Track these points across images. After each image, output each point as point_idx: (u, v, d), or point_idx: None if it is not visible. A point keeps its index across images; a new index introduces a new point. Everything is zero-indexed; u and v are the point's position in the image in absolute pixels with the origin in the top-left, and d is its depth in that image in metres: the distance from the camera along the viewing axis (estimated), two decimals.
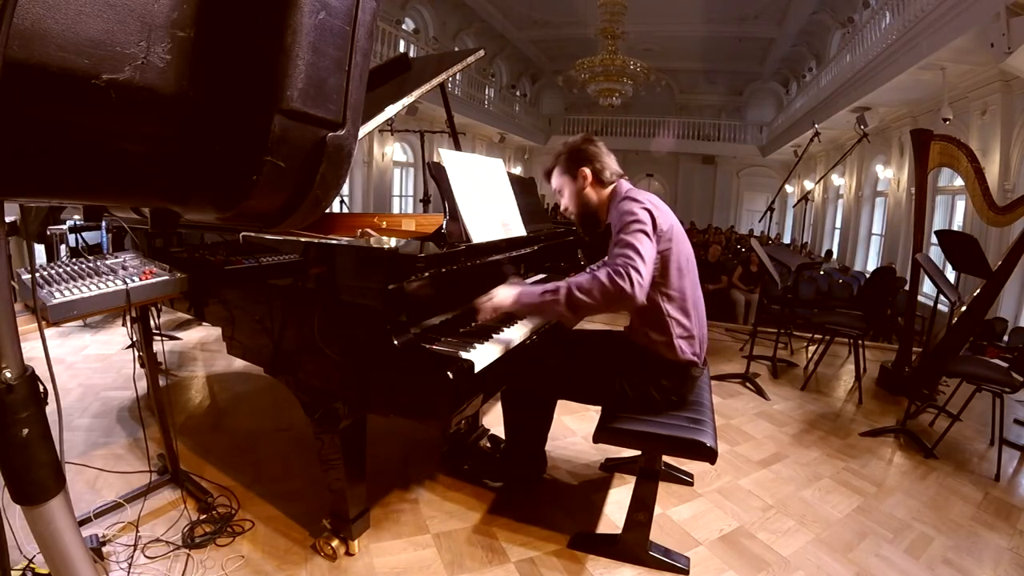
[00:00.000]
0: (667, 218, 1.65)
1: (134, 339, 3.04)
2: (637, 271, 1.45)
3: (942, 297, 3.02)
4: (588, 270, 1.86)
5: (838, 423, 3.00)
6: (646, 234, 1.52)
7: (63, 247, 3.76)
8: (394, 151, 11.88)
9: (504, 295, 1.60)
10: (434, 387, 1.27)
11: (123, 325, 3.98)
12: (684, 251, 1.68)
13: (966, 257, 3.13)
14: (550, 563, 1.71)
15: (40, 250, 3.84)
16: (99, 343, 3.67)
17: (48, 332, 2.99)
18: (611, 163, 1.77)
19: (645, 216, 1.55)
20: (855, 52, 8.86)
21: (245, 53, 0.54)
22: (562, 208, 1.86)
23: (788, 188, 13.78)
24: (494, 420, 2.66)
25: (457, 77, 11.99)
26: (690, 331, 1.69)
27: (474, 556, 1.72)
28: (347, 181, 2.50)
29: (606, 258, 1.58)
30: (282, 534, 1.76)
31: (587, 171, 1.75)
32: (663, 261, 1.63)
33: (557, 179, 1.83)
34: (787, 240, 14.93)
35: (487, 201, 1.94)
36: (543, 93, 19.08)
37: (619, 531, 1.74)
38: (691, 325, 1.69)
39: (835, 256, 11.63)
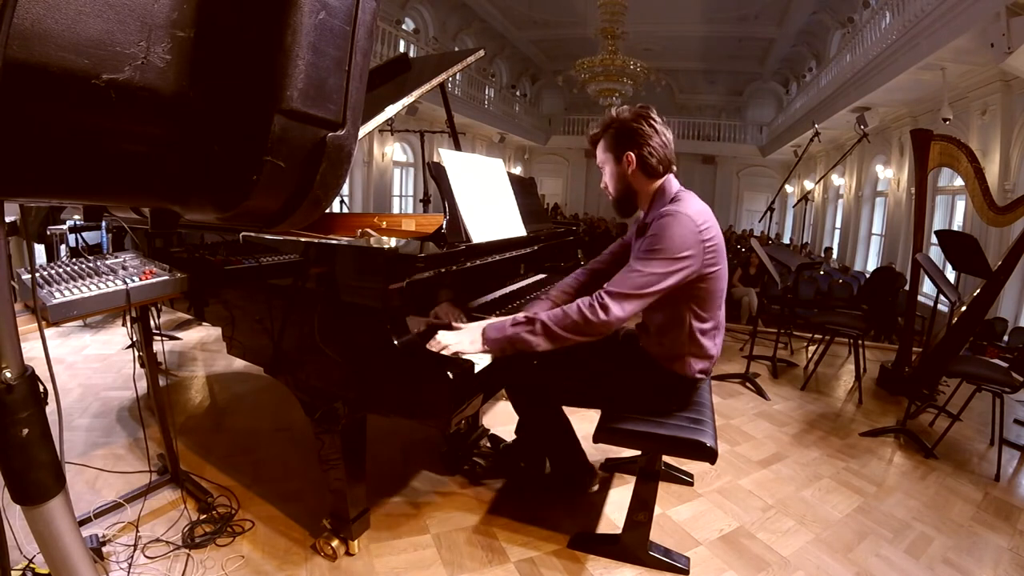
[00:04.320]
0: (715, 239, 1.51)
1: (134, 339, 3.04)
2: (618, 303, 1.41)
3: (942, 297, 3.02)
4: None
5: (838, 423, 3.00)
6: (668, 274, 1.43)
7: (63, 247, 3.76)
8: (394, 151, 11.88)
9: (461, 339, 1.42)
10: (434, 387, 1.27)
11: (123, 325, 3.98)
12: (724, 273, 1.58)
13: (966, 257, 3.13)
14: (550, 563, 1.71)
15: (40, 250, 3.85)
16: (99, 343, 3.67)
17: (48, 332, 2.99)
18: (661, 148, 1.57)
19: (690, 246, 1.44)
20: (855, 52, 8.86)
21: (245, 53, 0.54)
22: (601, 185, 1.71)
23: (788, 188, 13.78)
24: (494, 420, 2.66)
25: (457, 77, 12.00)
26: (708, 353, 1.63)
27: (474, 556, 1.72)
28: (347, 181, 2.50)
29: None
30: (282, 534, 1.76)
31: (632, 156, 1.57)
32: (706, 284, 1.53)
33: (601, 154, 1.66)
34: (787, 240, 14.92)
35: (487, 201, 1.94)
36: (543, 93, 19.08)
37: (619, 531, 1.74)
38: (711, 349, 1.63)
39: (835, 255, 11.62)
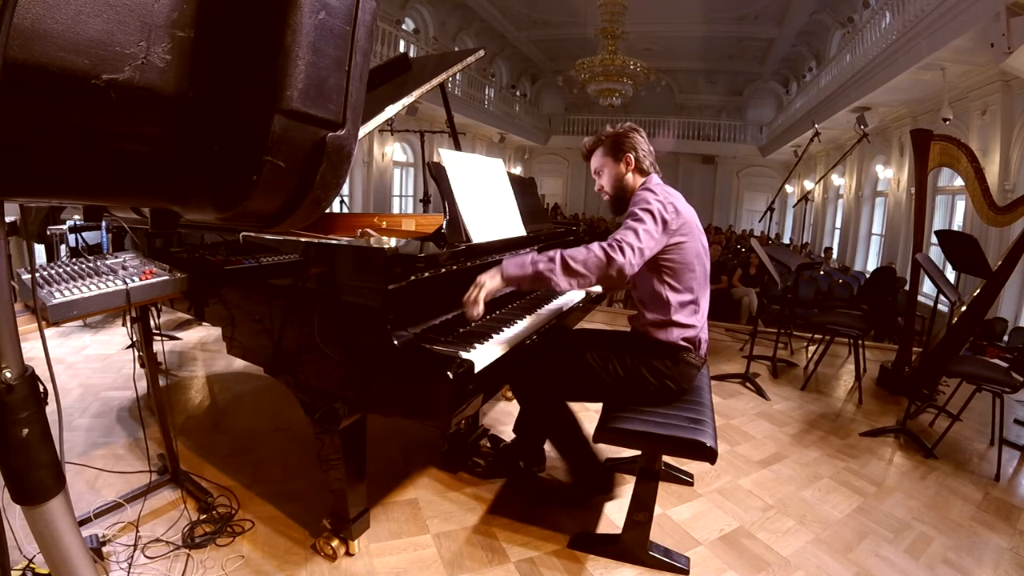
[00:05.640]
0: (684, 214, 1.70)
1: (134, 339, 3.04)
2: (631, 246, 1.54)
3: (942, 297, 3.02)
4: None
5: (838, 423, 3.00)
6: (653, 217, 1.61)
7: (63, 247, 3.75)
8: (394, 151, 11.88)
9: (489, 278, 1.55)
10: (434, 387, 1.27)
11: (123, 325, 3.98)
12: (696, 249, 1.73)
13: (966, 257, 3.13)
14: (550, 563, 1.71)
15: (40, 250, 3.84)
16: (99, 343, 3.67)
17: (48, 332, 2.99)
18: (650, 154, 1.85)
19: (657, 206, 1.63)
20: (855, 52, 8.86)
21: (245, 53, 0.54)
22: (596, 188, 1.92)
23: (788, 188, 13.78)
24: (494, 420, 2.66)
25: (457, 77, 12.00)
26: (689, 323, 1.74)
27: (474, 556, 1.72)
28: (347, 181, 2.50)
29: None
30: (282, 534, 1.76)
31: (631, 157, 1.82)
32: (675, 255, 1.69)
33: (598, 159, 1.88)
34: (787, 240, 14.92)
35: (487, 201, 1.94)
36: (543, 93, 19.08)
37: (619, 531, 1.74)
38: (692, 320, 1.74)
39: (835, 255, 11.62)
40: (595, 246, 1.54)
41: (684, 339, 1.74)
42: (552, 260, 1.54)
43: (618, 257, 1.51)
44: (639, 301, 1.82)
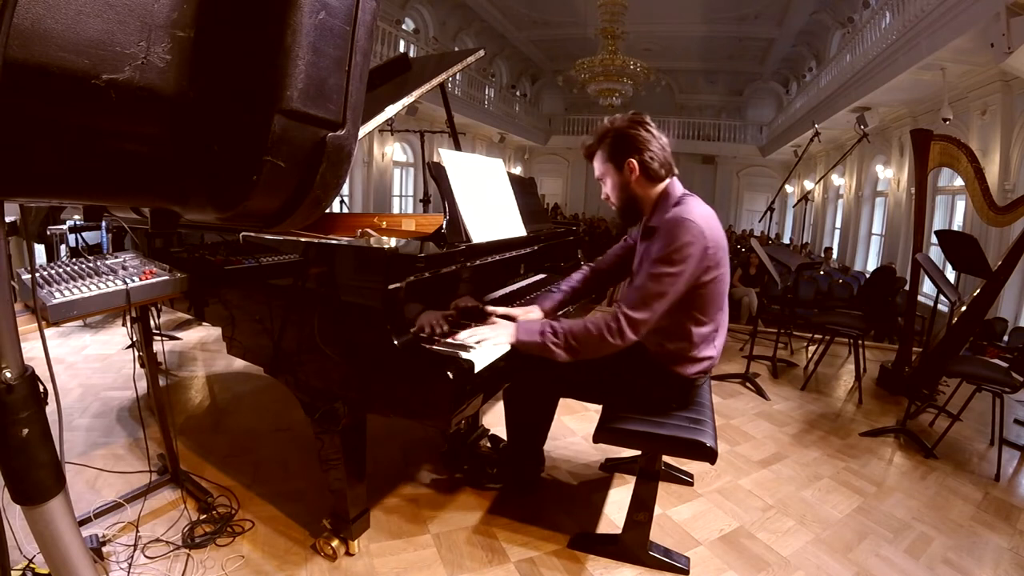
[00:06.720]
0: (718, 243, 1.52)
1: (134, 339, 3.04)
2: (635, 325, 1.47)
3: (942, 297, 3.02)
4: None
5: (838, 423, 3.00)
6: (680, 277, 1.46)
7: (63, 247, 3.75)
8: (394, 151, 11.89)
9: (498, 333, 1.54)
10: (434, 387, 1.27)
11: (123, 325, 3.98)
12: (725, 276, 1.58)
13: (966, 257, 3.13)
14: (550, 563, 1.71)
15: (40, 250, 3.84)
16: (99, 343, 3.67)
17: (48, 332, 2.99)
18: (660, 152, 1.58)
19: (696, 251, 1.45)
20: (855, 52, 8.87)
21: (245, 53, 0.54)
22: (603, 196, 1.71)
23: (788, 188, 13.78)
24: (494, 420, 2.65)
25: (457, 77, 12.01)
26: (707, 356, 1.64)
27: (474, 556, 1.72)
28: (347, 181, 2.50)
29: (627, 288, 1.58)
30: (282, 534, 1.76)
31: (635, 163, 1.57)
32: (706, 290, 1.54)
33: (600, 165, 1.65)
34: (787, 240, 14.92)
35: (487, 201, 1.94)
36: (543, 93, 19.10)
37: (619, 531, 1.74)
38: (710, 351, 1.64)
39: (835, 255, 11.62)
40: (597, 327, 1.48)
41: (698, 372, 1.65)
42: (557, 335, 1.52)
43: (616, 342, 1.47)
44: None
